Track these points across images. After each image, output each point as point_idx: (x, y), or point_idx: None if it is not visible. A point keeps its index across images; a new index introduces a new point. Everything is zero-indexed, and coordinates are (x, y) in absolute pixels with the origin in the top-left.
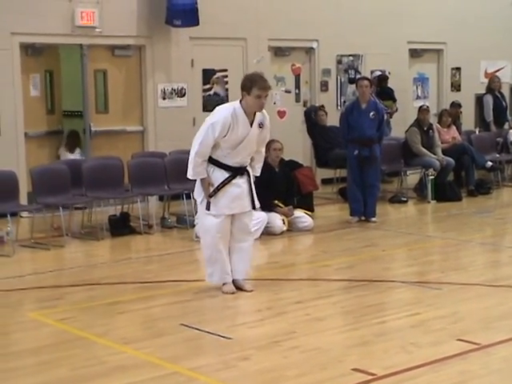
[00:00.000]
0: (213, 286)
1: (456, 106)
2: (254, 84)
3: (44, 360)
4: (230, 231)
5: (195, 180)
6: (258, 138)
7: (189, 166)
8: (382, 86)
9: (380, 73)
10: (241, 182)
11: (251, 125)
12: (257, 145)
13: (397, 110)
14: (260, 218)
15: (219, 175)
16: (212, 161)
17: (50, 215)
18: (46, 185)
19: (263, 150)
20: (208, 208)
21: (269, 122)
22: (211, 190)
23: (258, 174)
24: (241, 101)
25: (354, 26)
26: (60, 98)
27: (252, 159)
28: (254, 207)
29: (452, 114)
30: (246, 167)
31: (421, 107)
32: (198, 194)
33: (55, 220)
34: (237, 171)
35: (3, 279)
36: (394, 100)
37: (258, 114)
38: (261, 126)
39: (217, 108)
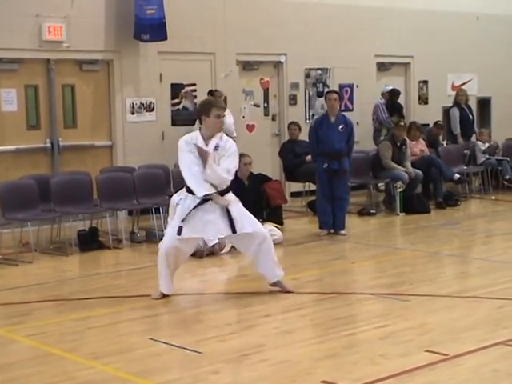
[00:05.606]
0: (182, 300)
1: (439, 126)
2: (212, 105)
3: (13, 376)
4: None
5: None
6: (219, 161)
7: (193, 186)
8: (393, 101)
9: (392, 87)
10: (215, 208)
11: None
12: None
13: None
14: None
15: (190, 202)
16: (187, 189)
17: (19, 231)
18: (13, 200)
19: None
20: (179, 233)
21: (233, 146)
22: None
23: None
24: (200, 129)
25: (321, 39)
26: (47, 113)
27: None
28: (234, 231)
29: (433, 133)
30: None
31: (398, 123)
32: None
33: (23, 236)
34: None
35: None
36: (402, 116)
37: (214, 138)
38: (217, 148)
39: None
